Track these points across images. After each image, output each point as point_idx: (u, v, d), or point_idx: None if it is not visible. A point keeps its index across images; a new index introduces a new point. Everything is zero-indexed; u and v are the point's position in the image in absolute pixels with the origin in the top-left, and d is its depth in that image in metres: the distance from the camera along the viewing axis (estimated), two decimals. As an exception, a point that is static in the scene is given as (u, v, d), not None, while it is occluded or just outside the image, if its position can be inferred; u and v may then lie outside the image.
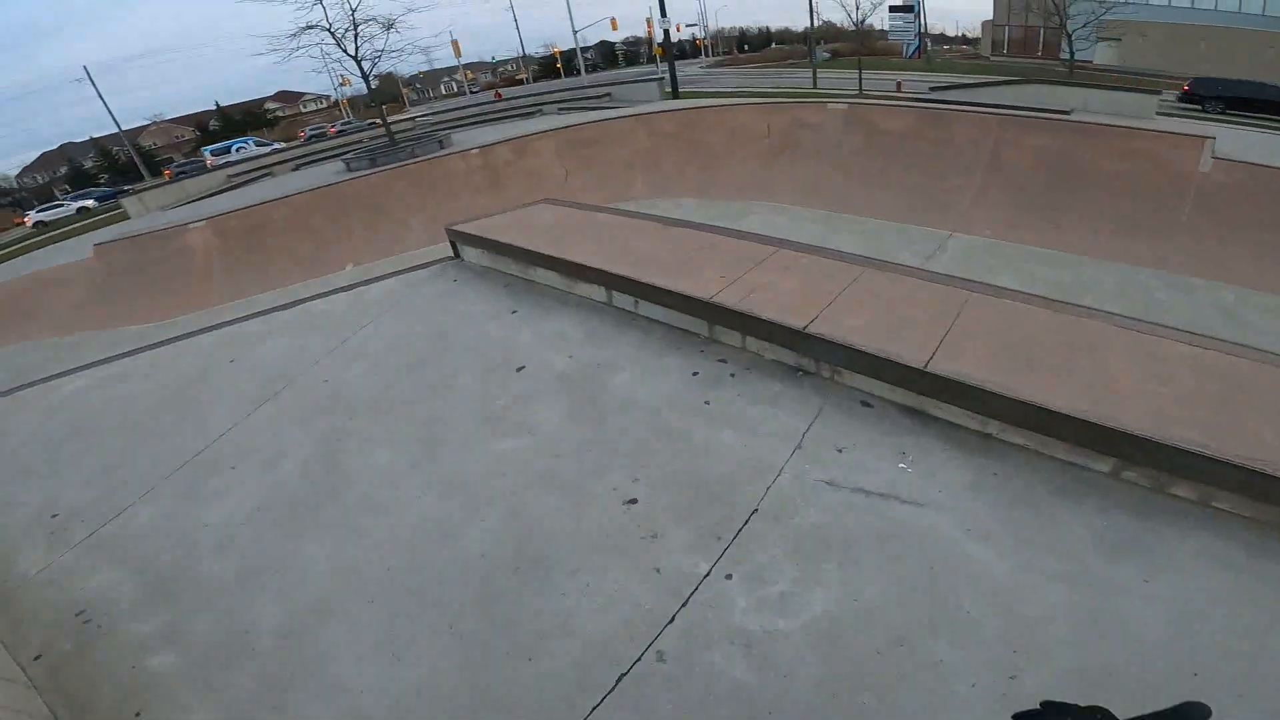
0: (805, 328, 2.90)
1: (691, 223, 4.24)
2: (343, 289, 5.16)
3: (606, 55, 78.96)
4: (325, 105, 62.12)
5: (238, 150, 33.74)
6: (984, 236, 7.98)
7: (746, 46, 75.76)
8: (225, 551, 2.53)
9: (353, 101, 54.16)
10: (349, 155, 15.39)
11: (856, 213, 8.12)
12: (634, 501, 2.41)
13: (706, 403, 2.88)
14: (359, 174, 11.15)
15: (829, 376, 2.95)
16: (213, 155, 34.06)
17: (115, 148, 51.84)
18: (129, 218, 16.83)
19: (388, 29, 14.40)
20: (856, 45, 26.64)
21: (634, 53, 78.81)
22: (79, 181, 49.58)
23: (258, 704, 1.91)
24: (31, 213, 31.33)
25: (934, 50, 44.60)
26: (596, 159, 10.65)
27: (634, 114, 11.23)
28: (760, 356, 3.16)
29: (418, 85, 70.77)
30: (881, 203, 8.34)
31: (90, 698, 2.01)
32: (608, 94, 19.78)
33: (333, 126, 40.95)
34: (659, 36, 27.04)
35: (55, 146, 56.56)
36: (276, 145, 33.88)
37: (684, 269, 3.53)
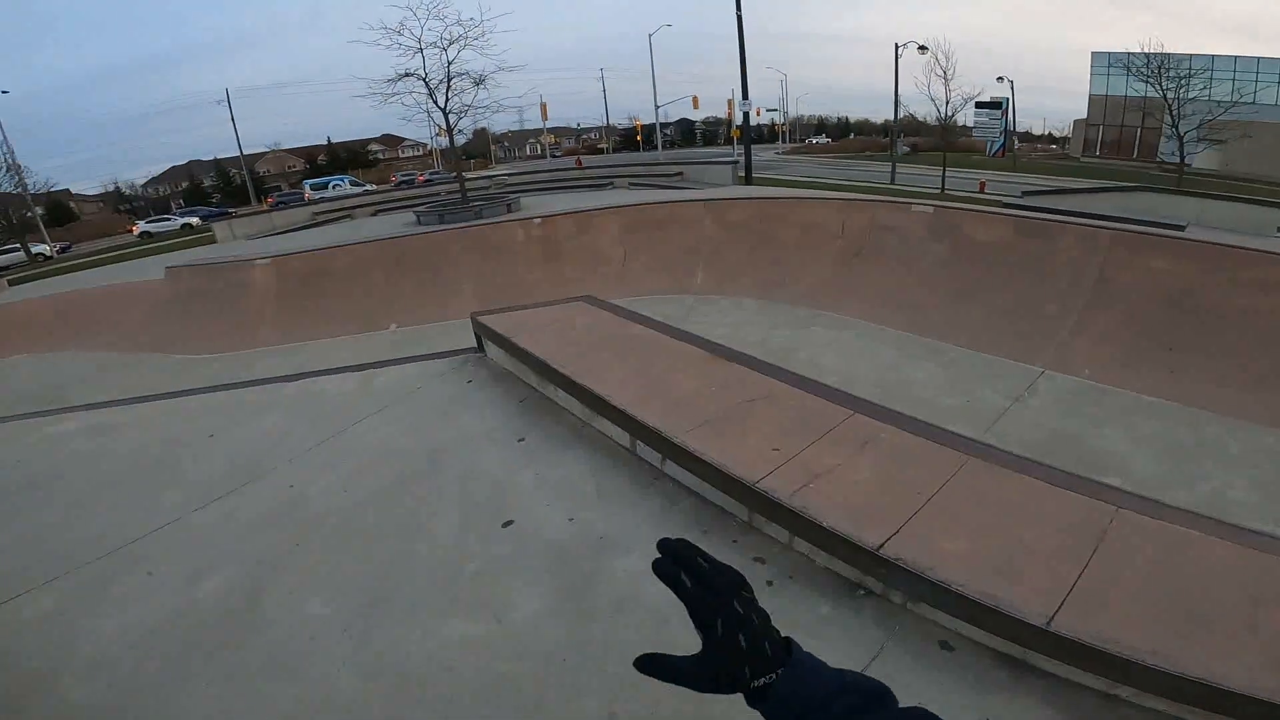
0: (879, 547, 2.13)
1: (748, 359, 3.59)
2: (354, 368, 4.77)
3: (685, 132, 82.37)
4: (421, 153, 66.91)
5: (334, 187, 36.31)
6: (1083, 378, 6.94)
7: (825, 136, 77.40)
8: (94, 676, 2.05)
9: (445, 153, 58.21)
10: (421, 208, 15.93)
11: (937, 336, 7.28)
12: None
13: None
14: (424, 229, 11.28)
15: (900, 603, 2.16)
16: (311, 189, 36.77)
17: (233, 170, 57.09)
18: (216, 241, 17.92)
19: (477, 84, 15.00)
20: (938, 140, 26.29)
21: (712, 132, 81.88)
22: (193, 198, 54.59)
23: None
24: (141, 223, 34.27)
25: (1019, 149, 43.87)
26: (659, 243, 10.34)
27: (703, 198, 10.97)
28: (811, 561, 2.40)
29: (505, 144, 75.62)
30: (966, 325, 7.48)
31: None
32: (680, 172, 20.02)
33: (421, 175, 43.74)
34: (738, 118, 27.61)
35: (183, 162, 62.89)
36: (368, 187, 36.29)
37: (729, 426, 2.85)
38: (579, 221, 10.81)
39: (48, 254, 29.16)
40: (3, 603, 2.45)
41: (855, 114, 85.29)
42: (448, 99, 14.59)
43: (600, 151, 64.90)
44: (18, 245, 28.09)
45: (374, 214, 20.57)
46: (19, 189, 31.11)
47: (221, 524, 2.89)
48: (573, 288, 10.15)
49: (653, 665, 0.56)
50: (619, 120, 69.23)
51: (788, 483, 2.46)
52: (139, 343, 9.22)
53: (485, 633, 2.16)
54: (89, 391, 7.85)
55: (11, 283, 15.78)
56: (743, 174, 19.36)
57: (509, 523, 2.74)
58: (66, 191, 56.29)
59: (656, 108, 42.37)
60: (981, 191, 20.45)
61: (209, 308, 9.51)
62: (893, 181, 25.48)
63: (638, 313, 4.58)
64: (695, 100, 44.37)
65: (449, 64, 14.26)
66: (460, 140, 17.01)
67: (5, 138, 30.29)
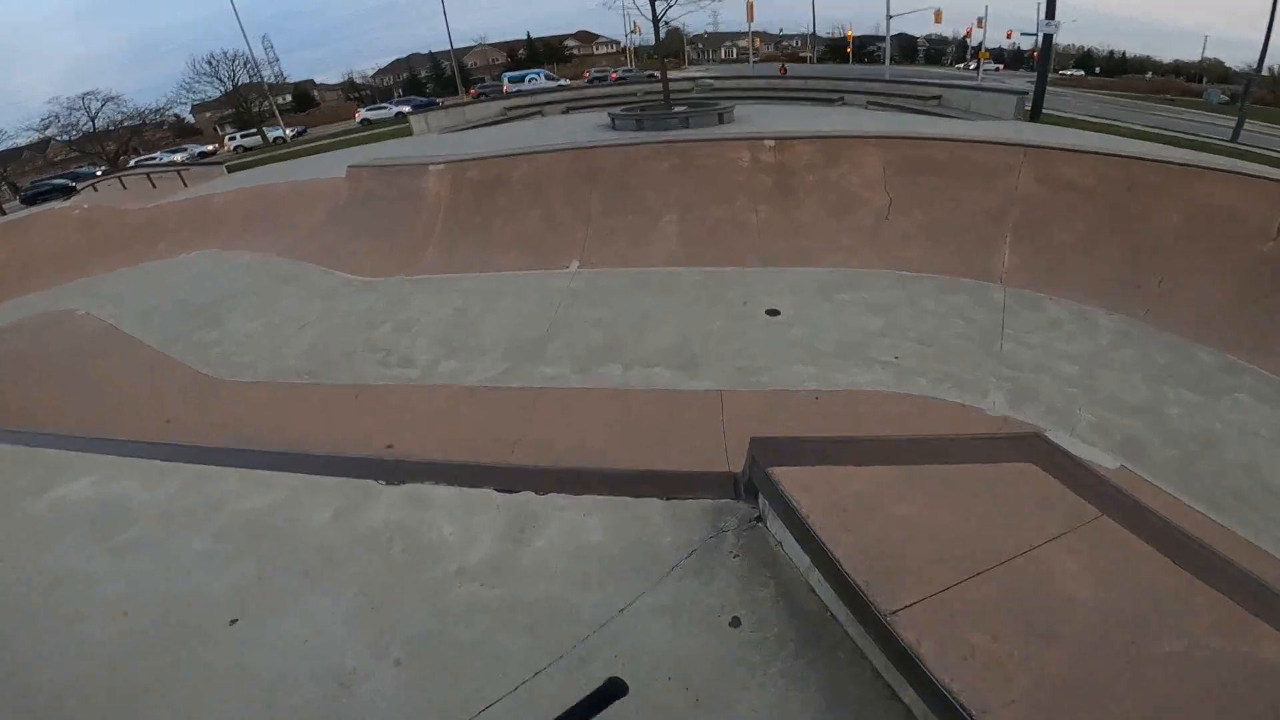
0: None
1: None
2: (492, 486, 2.85)
3: (906, 49, 69.93)
4: (615, 49, 64.51)
5: (530, 81, 35.67)
6: None
7: (1098, 69, 61.03)
8: None
9: (638, 50, 54.93)
10: (617, 109, 13.71)
11: None
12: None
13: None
14: (621, 137, 9.06)
15: None
16: (510, 82, 36.52)
17: (444, 63, 59.60)
18: (412, 133, 17.52)
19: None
20: (1268, 91, 17.61)
21: (938, 51, 68.86)
22: (411, 88, 58.35)
23: None
24: (362, 110, 36.69)
25: None
26: (941, 196, 7.09)
27: (1019, 142, 7.29)
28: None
29: (700, 45, 69.97)
30: None
31: None
32: (938, 96, 15.37)
33: (615, 72, 41.44)
34: (976, 37, 20.99)
35: (404, 56, 67.32)
36: (562, 82, 35.05)
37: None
38: (826, 150, 7.81)
39: (284, 137, 32.30)
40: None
41: (1132, 49, 65.90)
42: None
43: (804, 60, 57.19)
44: (255, 130, 31.45)
45: (565, 110, 18.91)
46: (255, 79, 34.75)
47: None
48: (809, 239, 7.47)
49: None
50: (826, 30, 59.99)
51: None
52: (308, 250, 8.45)
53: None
54: (241, 312, 7.12)
55: (230, 169, 16.69)
56: (1029, 108, 14.22)
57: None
58: (310, 81, 63.16)
59: (889, 17, 34.85)
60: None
61: (380, 217, 8.42)
62: (1235, 139, 17.82)
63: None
64: (939, 14, 36.07)
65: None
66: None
67: (246, 37, 33.64)
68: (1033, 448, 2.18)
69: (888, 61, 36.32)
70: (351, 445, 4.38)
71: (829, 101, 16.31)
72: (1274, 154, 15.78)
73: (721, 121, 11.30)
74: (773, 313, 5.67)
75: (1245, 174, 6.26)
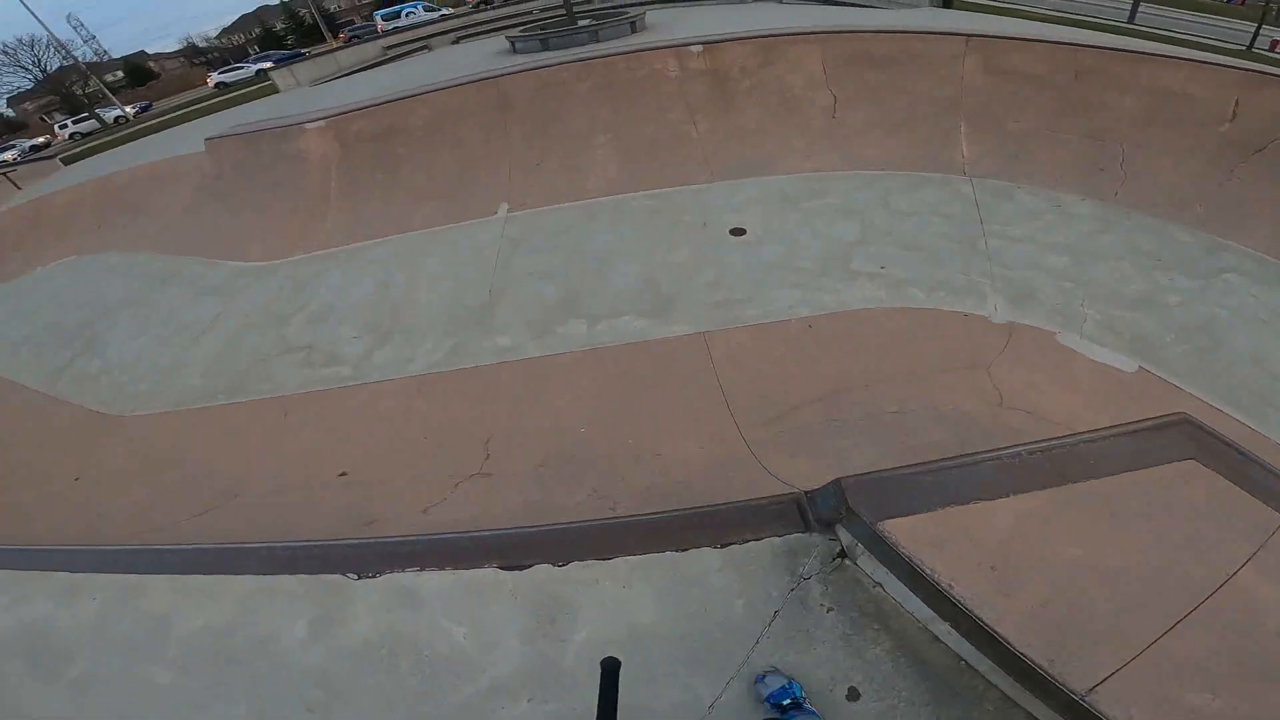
0: None
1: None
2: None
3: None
4: (496, -27, 59.23)
5: (406, 15, 32.03)
6: None
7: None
8: None
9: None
10: (515, 31, 12.25)
11: None
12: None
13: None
14: (528, 61, 7.92)
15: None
16: (383, 20, 32.67)
17: (301, 10, 52.72)
18: (278, 91, 15.17)
19: None
20: None
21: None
22: (268, 43, 51.46)
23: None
24: (214, 74, 31.84)
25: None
26: (888, 90, 6.57)
27: (951, 31, 6.80)
28: None
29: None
30: None
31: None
32: (849, -16, 14.60)
33: (501, -6, 37.92)
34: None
35: (252, 10, 59.02)
36: (445, 11, 31.67)
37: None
38: (761, 50, 7.06)
39: (126, 116, 27.80)
40: None
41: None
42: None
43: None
44: (85, 115, 26.93)
45: (455, 42, 16.93)
46: (67, 61, 29.67)
47: None
48: (758, 146, 6.81)
49: None
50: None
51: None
52: (183, 241, 7.08)
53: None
54: (123, 328, 5.85)
55: (66, 160, 13.94)
56: (941, -6, 13.71)
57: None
58: (143, 53, 54.56)
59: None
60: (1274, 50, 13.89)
61: (257, 190, 7.08)
62: (1132, 20, 18.20)
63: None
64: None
65: None
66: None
67: (39, 19, 28.43)
68: (1187, 438, 1.76)
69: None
70: (296, 479, 3.59)
71: (742, 0, 15.25)
72: (1169, 34, 16.27)
73: (635, 30, 10.23)
74: (738, 232, 5.10)
75: (1194, 60, 6.08)
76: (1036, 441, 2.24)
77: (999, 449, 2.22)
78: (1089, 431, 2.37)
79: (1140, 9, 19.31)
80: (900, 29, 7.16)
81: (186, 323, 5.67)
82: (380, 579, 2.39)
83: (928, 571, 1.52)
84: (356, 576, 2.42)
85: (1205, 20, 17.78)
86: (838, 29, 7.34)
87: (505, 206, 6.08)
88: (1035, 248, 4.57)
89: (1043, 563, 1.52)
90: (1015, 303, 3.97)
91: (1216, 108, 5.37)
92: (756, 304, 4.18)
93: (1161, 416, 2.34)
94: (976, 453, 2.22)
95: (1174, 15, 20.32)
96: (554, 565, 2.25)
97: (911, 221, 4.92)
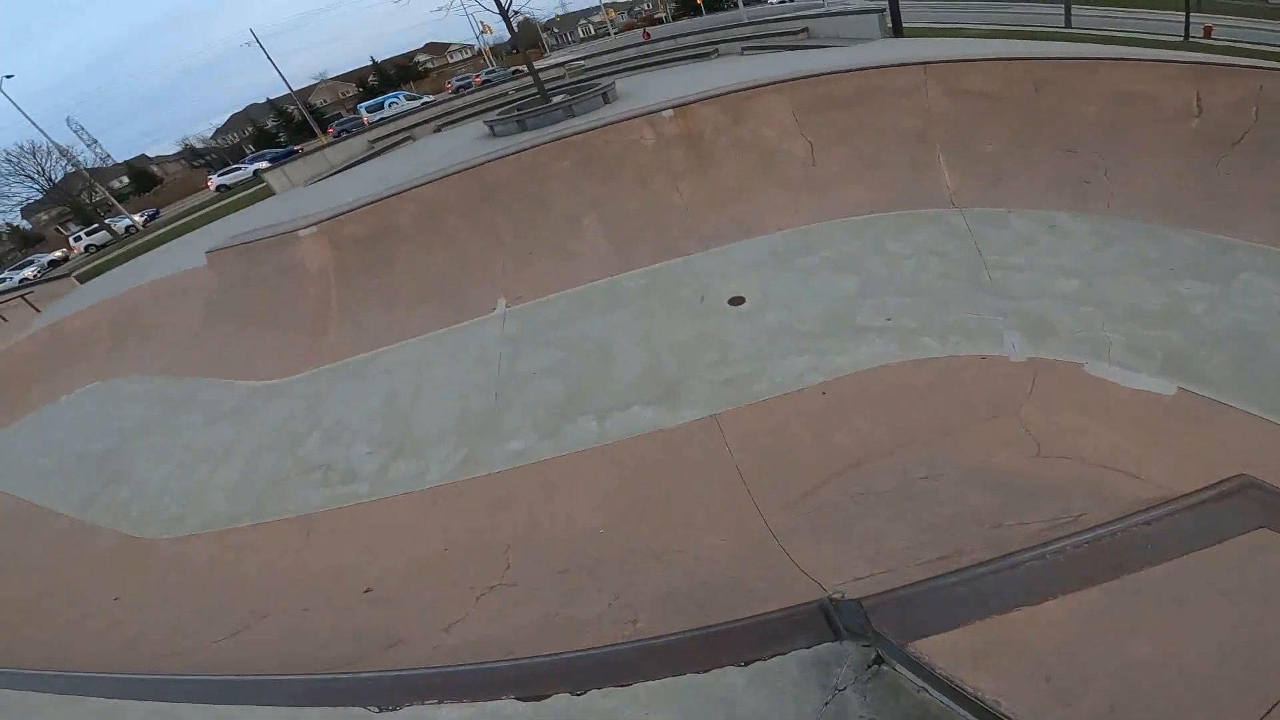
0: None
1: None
2: None
3: (758, -17, 70.64)
4: (470, 55, 61.80)
5: (390, 106, 33.37)
6: None
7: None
8: None
9: (495, 50, 52.67)
10: (493, 115, 12.70)
11: None
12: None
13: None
14: (508, 144, 8.16)
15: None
16: (368, 112, 34.02)
17: (289, 107, 55.26)
18: (273, 193, 15.75)
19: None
20: None
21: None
22: (262, 142, 53.74)
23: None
24: (214, 177, 32.99)
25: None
26: (859, 128, 6.68)
27: (916, 61, 6.96)
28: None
29: (554, 29, 68.13)
30: None
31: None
32: (805, 29, 15.15)
33: (478, 76, 39.50)
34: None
35: (241, 109, 61.90)
36: (426, 98, 32.97)
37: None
38: (728, 108, 7.25)
39: (136, 225, 28.79)
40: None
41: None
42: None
43: (659, 22, 56.63)
44: (97, 226, 27.86)
45: (437, 130, 17.54)
46: (71, 168, 30.76)
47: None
48: (744, 205, 6.88)
49: None
50: (668, -13, 59.36)
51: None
52: (194, 363, 7.22)
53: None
54: (147, 455, 5.93)
55: (80, 278, 14.42)
56: (891, 24, 14.19)
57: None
58: (144, 156, 57.11)
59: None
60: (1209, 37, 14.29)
61: (261, 305, 7.25)
62: (1068, 24, 18.69)
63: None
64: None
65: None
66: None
67: (35, 124, 29.46)
68: (1252, 503, 1.67)
69: (741, 4, 36.16)
70: (322, 597, 3.53)
71: (704, 56, 15.79)
72: (1108, 33, 16.68)
73: (607, 101, 10.56)
74: (736, 301, 5.10)
75: (1144, 60, 6.18)
76: (1082, 532, 2.09)
77: (1042, 545, 2.05)
78: (1141, 513, 2.19)
79: (1073, 11, 19.83)
80: (859, 66, 7.32)
81: (206, 447, 5.71)
82: (402, 712, 2.30)
83: (970, 690, 1.41)
84: (378, 709, 2.36)
85: (1137, 15, 18.18)
86: (798, 75, 7.52)
87: (503, 302, 6.15)
88: (1040, 274, 4.49)
89: (1107, 665, 1.41)
90: (1033, 337, 3.88)
91: (1180, 103, 5.38)
92: (765, 377, 4.13)
93: (1220, 483, 2.20)
94: (1017, 552, 2.06)
95: (1108, 14, 20.80)
96: (572, 694, 2.17)
97: (909, 264, 4.89)
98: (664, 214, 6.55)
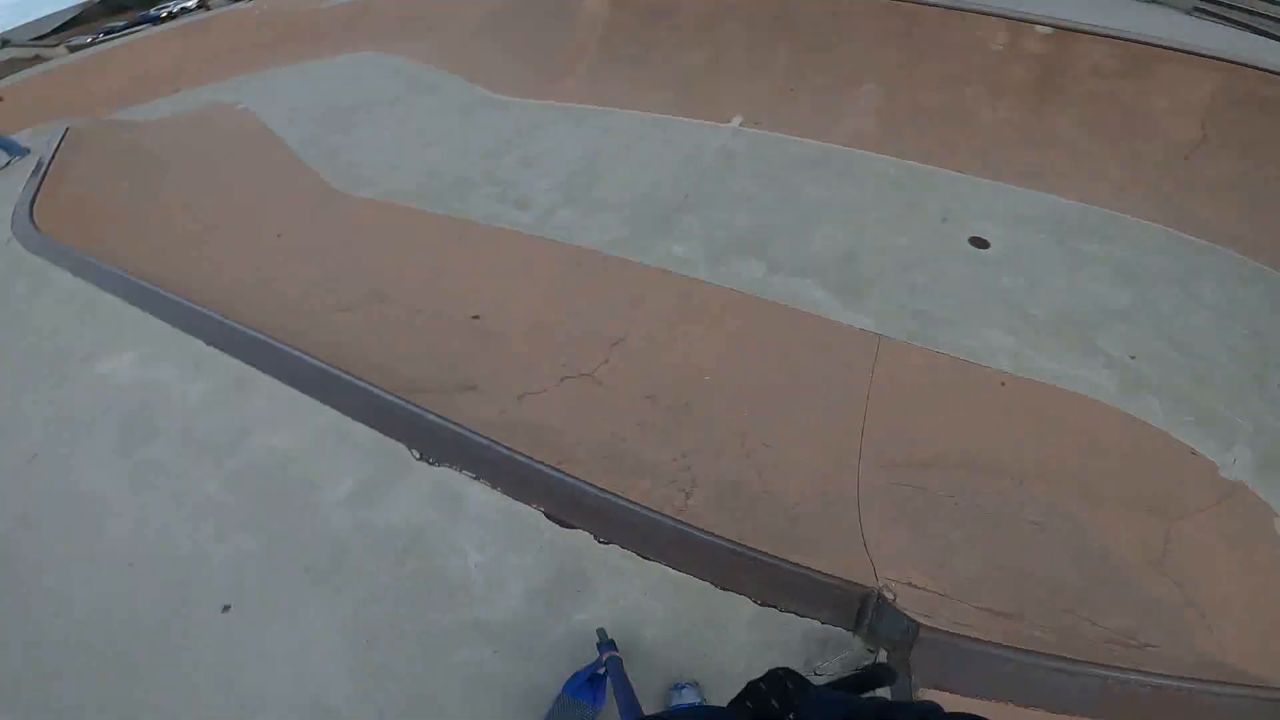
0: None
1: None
2: None
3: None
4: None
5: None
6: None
7: None
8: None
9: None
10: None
11: None
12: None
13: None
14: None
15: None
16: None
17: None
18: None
19: None
20: None
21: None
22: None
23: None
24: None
25: None
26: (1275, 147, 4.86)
27: None
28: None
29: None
30: None
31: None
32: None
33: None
34: None
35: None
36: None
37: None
38: (1129, 56, 5.65)
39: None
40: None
41: None
42: None
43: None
44: None
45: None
46: None
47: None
48: (1060, 158, 5.22)
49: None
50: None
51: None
52: (456, 59, 7.54)
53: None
54: (376, 118, 6.51)
55: None
56: None
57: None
58: None
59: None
60: None
61: (531, 30, 7.32)
62: None
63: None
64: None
65: None
66: None
67: None
68: None
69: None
70: (437, 305, 3.73)
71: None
72: None
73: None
74: (979, 242, 4.18)
75: None
76: (1152, 674, 1.89)
77: (1108, 666, 1.91)
78: (1222, 682, 1.91)
79: None
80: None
81: (426, 129, 6.13)
82: (437, 470, 2.47)
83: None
84: (419, 455, 2.51)
85: None
86: (1253, 63, 5.51)
87: (739, 119, 5.61)
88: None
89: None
90: (1266, 465, 2.80)
91: None
92: (958, 331, 3.41)
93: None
94: (1084, 662, 1.91)
95: None
96: (596, 539, 2.21)
97: (1205, 317, 3.64)
98: (959, 123, 5.47)
